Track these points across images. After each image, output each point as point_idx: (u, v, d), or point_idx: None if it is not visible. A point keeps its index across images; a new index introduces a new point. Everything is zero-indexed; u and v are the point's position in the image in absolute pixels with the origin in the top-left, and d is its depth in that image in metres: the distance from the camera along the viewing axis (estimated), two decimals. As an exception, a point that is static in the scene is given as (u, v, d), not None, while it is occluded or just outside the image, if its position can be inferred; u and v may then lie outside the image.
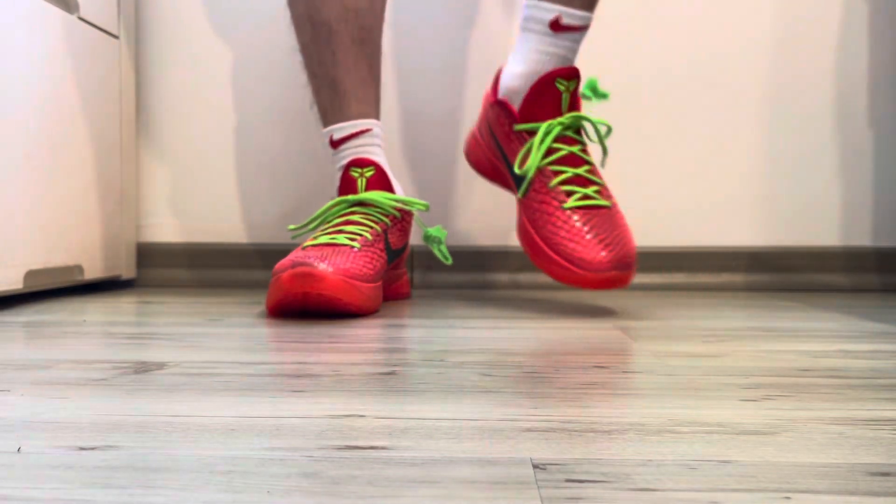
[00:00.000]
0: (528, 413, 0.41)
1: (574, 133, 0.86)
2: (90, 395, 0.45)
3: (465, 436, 0.37)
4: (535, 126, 0.85)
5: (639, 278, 1.18)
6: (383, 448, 0.35)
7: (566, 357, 0.59)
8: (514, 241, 1.09)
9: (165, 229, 1.22)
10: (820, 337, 0.70)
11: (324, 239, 0.83)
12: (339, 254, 0.80)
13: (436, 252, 0.92)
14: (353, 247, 0.82)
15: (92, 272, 1.06)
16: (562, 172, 0.83)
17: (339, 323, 0.75)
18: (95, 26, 1.06)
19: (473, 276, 1.19)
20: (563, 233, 0.81)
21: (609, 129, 0.88)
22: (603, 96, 0.87)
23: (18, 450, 0.34)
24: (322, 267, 0.76)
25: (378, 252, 0.85)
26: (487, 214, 1.19)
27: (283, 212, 1.20)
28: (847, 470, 0.32)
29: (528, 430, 0.37)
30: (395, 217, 0.89)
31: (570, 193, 0.82)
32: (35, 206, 0.92)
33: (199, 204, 1.22)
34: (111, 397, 0.44)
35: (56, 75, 0.97)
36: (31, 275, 0.91)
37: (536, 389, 0.46)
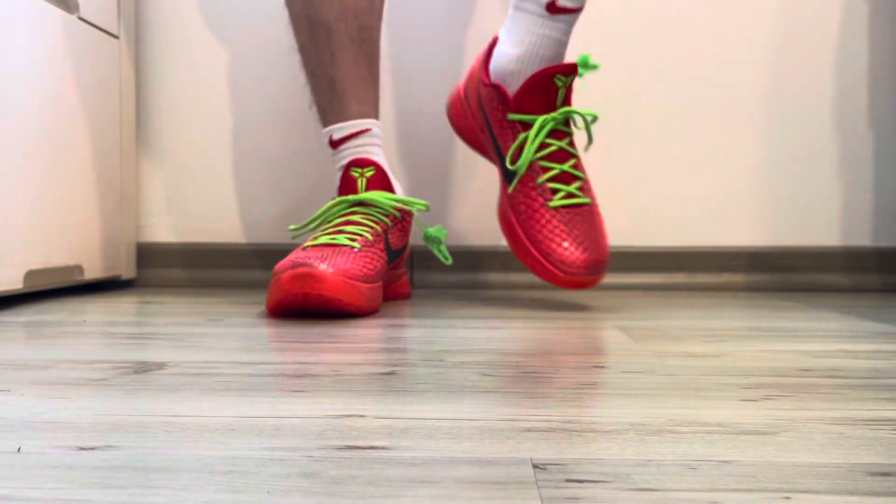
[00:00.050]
0: (528, 413, 0.41)
1: (563, 125, 0.87)
2: (90, 395, 0.45)
3: (465, 436, 0.37)
4: (529, 119, 0.86)
5: (639, 278, 1.19)
6: (383, 448, 0.35)
7: (566, 357, 0.59)
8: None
9: (165, 229, 1.22)
10: (820, 337, 0.70)
11: (324, 239, 0.83)
12: (339, 254, 0.80)
13: (436, 252, 0.93)
14: (353, 247, 0.82)
15: (92, 272, 1.06)
16: (550, 169, 0.85)
17: (339, 323, 0.75)
18: (95, 26, 1.06)
19: (473, 276, 1.19)
20: (545, 231, 0.84)
21: (595, 118, 0.89)
22: (594, 68, 0.87)
23: (18, 450, 0.34)
24: (322, 267, 0.76)
25: (378, 252, 0.85)
26: (487, 215, 1.19)
27: (283, 212, 1.20)
28: (847, 470, 0.32)
29: (528, 430, 0.37)
30: (395, 217, 0.89)
31: (554, 191, 0.85)
32: (35, 206, 0.92)
33: (199, 204, 1.22)
34: (111, 397, 0.44)
35: (56, 75, 0.97)
36: (31, 275, 0.91)
37: (536, 389, 0.46)
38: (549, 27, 0.85)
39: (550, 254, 0.84)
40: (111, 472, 0.31)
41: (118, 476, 0.31)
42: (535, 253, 0.85)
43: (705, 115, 1.19)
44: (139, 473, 0.32)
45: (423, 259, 1.17)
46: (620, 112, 1.19)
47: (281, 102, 1.19)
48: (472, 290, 1.16)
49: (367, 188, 0.89)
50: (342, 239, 0.83)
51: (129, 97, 1.17)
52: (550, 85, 0.85)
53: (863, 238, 1.20)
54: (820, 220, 1.20)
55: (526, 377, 0.50)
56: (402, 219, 0.91)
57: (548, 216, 0.84)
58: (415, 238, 1.06)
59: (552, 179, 0.85)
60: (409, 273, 1.09)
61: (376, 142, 0.93)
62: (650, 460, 0.33)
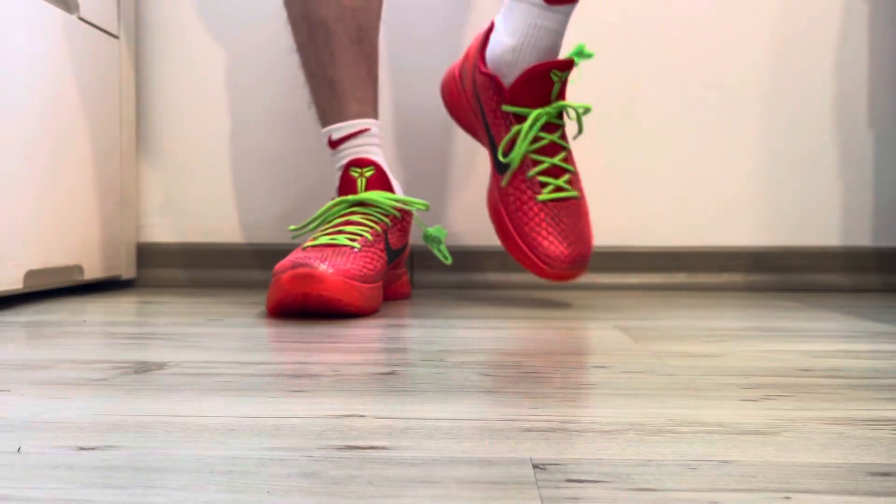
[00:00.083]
0: (528, 413, 0.41)
1: (556, 118, 0.88)
2: (90, 395, 0.45)
3: (465, 436, 0.37)
4: (523, 111, 0.87)
5: (639, 278, 1.19)
6: (383, 448, 0.35)
7: (566, 357, 0.59)
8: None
9: (165, 229, 1.22)
10: (820, 337, 0.70)
11: (324, 239, 0.83)
12: (339, 254, 0.80)
13: (435, 252, 0.93)
14: (353, 247, 0.82)
15: (92, 272, 1.06)
16: (540, 163, 0.87)
17: (339, 323, 0.75)
18: (95, 26, 1.06)
19: (473, 276, 1.19)
20: (532, 224, 0.86)
21: (587, 110, 0.90)
22: (588, 56, 0.88)
23: (18, 450, 0.34)
24: (322, 268, 0.76)
25: (378, 252, 0.85)
26: (486, 215, 1.19)
27: (282, 212, 1.20)
28: (847, 470, 0.32)
29: (528, 430, 0.37)
30: (395, 217, 0.89)
31: (543, 184, 0.86)
32: (35, 206, 0.92)
33: (199, 204, 1.22)
34: (111, 397, 0.44)
35: (56, 75, 0.97)
36: (31, 275, 0.91)
37: (536, 389, 0.46)
38: (546, 18, 0.85)
39: (536, 247, 0.86)
40: (111, 472, 0.31)
41: (118, 476, 0.31)
42: (522, 245, 0.87)
43: (705, 116, 1.19)
44: (139, 473, 0.32)
45: (423, 259, 1.17)
46: (620, 112, 1.19)
47: (281, 102, 1.19)
48: (472, 290, 1.16)
49: (367, 188, 0.89)
50: (342, 239, 0.83)
51: (129, 97, 1.17)
52: (546, 80, 0.85)
53: (863, 238, 1.20)
54: (820, 220, 1.20)
55: (526, 377, 0.50)
56: (401, 219, 0.91)
57: (536, 209, 0.86)
58: (415, 238, 1.06)
59: (542, 173, 0.87)
60: (409, 273, 1.09)
61: (375, 141, 0.93)
62: (650, 460, 0.33)
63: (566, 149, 0.88)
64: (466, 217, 1.19)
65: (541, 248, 0.86)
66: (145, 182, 1.22)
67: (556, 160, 0.87)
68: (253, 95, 1.21)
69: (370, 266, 0.82)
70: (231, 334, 0.69)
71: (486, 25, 0.95)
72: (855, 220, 1.20)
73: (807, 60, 1.19)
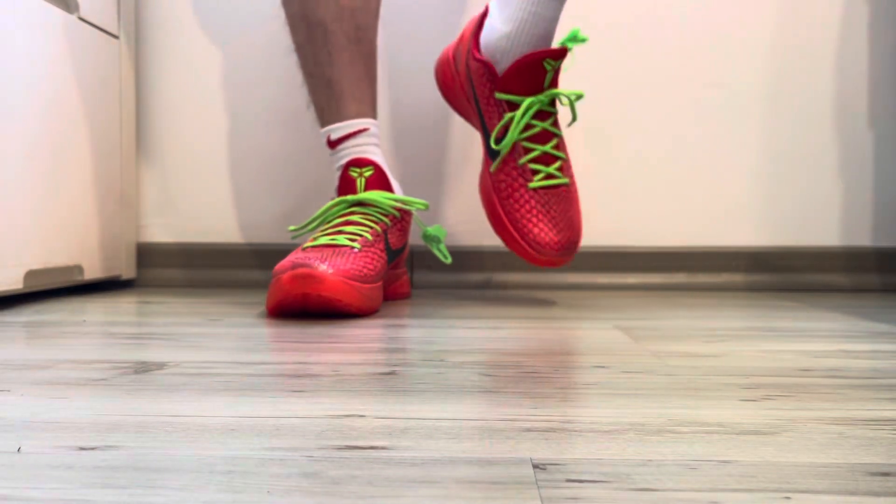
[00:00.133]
0: (528, 413, 0.41)
1: (548, 106, 0.88)
2: (90, 395, 0.45)
3: (465, 436, 0.37)
4: (516, 99, 0.87)
5: (639, 278, 1.19)
6: (383, 448, 0.35)
7: (566, 357, 0.59)
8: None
9: (165, 229, 1.22)
10: (820, 337, 0.70)
11: (324, 240, 0.83)
12: (339, 255, 0.80)
13: (435, 251, 0.93)
14: (353, 247, 0.82)
15: (92, 272, 1.06)
16: (532, 150, 0.88)
17: (339, 323, 0.75)
18: (95, 26, 1.06)
19: (473, 276, 1.19)
20: (523, 211, 0.87)
21: (579, 97, 0.91)
22: (583, 41, 0.88)
23: (18, 450, 0.34)
24: (322, 268, 0.76)
25: (378, 252, 0.85)
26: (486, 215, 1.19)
27: (282, 212, 1.20)
28: (847, 470, 0.32)
29: (528, 430, 0.37)
30: (394, 217, 0.89)
31: (535, 172, 0.87)
32: (35, 206, 0.92)
33: (199, 204, 1.22)
34: (111, 397, 0.44)
35: (56, 75, 0.97)
36: (31, 275, 0.91)
37: (536, 389, 0.46)
38: (541, 5, 0.85)
39: (527, 234, 0.87)
40: (111, 472, 0.31)
41: (118, 476, 0.31)
42: (513, 231, 0.88)
43: (705, 116, 1.19)
44: (139, 473, 0.32)
45: (423, 259, 1.17)
46: (620, 111, 1.19)
47: (280, 102, 1.19)
48: (472, 290, 1.16)
49: (367, 188, 0.89)
50: (342, 239, 0.83)
51: (129, 97, 1.17)
52: (539, 68, 0.86)
53: (863, 238, 1.20)
54: (820, 220, 1.20)
55: (526, 377, 0.50)
56: (401, 218, 0.91)
57: (526, 196, 0.87)
58: (414, 238, 1.06)
59: (533, 160, 0.88)
60: (409, 273, 1.09)
61: (374, 141, 0.93)
62: (650, 460, 0.33)
63: (558, 136, 0.89)
64: (466, 217, 1.19)
65: (531, 236, 0.87)
66: (145, 182, 1.22)
67: (548, 147, 0.88)
68: (252, 95, 1.21)
69: (370, 266, 0.82)
70: (231, 334, 0.69)
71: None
72: (855, 220, 1.20)
73: (807, 60, 1.19)
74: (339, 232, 0.85)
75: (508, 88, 0.87)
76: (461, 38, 0.94)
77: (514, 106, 0.87)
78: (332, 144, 0.93)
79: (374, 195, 0.87)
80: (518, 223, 0.87)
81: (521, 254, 0.88)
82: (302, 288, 0.76)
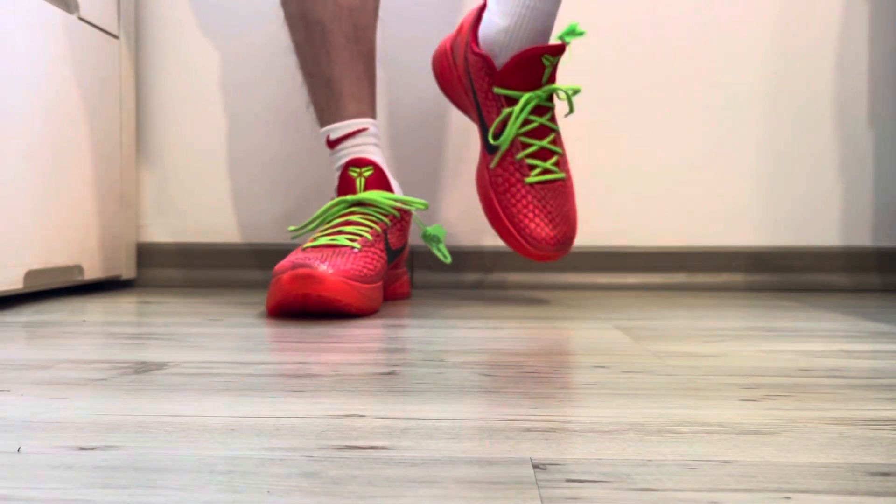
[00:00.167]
0: (528, 413, 0.41)
1: (546, 101, 0.88)
2: (90, 395, 0.45)
3: (465, 436, 0.37)
4: (514, 94, 0.87)
5: (639, 278, 1.19)
6: (383, 448, 0.35)
7: (566, 357, 0.59)
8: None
9: (165, 229, 1.22)
10: (820, 337, 0.70)
11: (324, 240, 0.83)
12: (339, 255, 0.80)
13: (434, 251, 0.92)
14: (353, 247, 0.82)
15: (92, 272, 1.06)
16: (529, 146, 0.88)
17: (339, 323, 0.75)
18: (95, 26, 1.06)
19: (473, 276, 1.19)
20: (520, 206, 0.88)
21: (576, 91, 0.91)
22: (580, 34, 0.88)
23: (18, 450, 0.34)
24: (322, 268, 0.76)
25: (378, 252, 0.85)
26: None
27: (282, 212, 1.20)
28: (847, 470, 0.32)
29: (528, 430, 0.37)
30: (394, 217, 0.89)
31: (532, 167, 0.88)
32: (35, 206, 0.92)
33: (199, 204, 1.22)
34: (111, 397, 0.44)
35: (56, 75, 0.97)
36: (31, 275, 0.91)
37: (536, 389, 0.46)
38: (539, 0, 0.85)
39: (523, 229, 0.87)
40: (111, 472, 0.31)
41: (118, 476, 0.31)
42: (509, 225, 0.88)
43: (705, 115, 1.19)
44: (139, 473, 0.32)
45: (423, 259, 1.17)
46: (620, 111, 1.19)
47: (280, 102, 1.19)
48: (472, 290, 1.16)
49: (366, 188, 0.89)
50: (342, 239, 0.83)
51: (129, 97, 1.17)
52: (537, 64, 0.86)
53: (863, 238, 1.20)
54: (820, 220, 1.20)
55: (526, 377, 0.50)
56: (401, 218, 0.91)
57: (523, 191, 0.88)
58: (414, 238, 1.05)
59: (531, 156, 0.88)
60: (409, 273, 1.09)
61: (374, 141, 0.93)
62: (650, 460, 0.33)
63: (555, 131, 0.89)
64: (466, 217, 1.19)
65: (527, 230, 0.87)
66: (145, 182, 1.22)
67: (545, 143, 0.88)
68: (252, 95, 1.21)
69: (370, 266, 0.82)
70: (231, 334, 0.69)
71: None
72: (855, 220, 1.20)
73: (807, 60, 1.19)
74: (339, 232, 0.85)
75: (507, 83, 0.87)
76: (459, 30, 0.94)
77: (512, 101, 0.88)
78: (332, 144, 0.93)
79: (374, 195, 0.87)
80: (514, 218, 0.88)
81: (517, 248, 0.89)
82: (302, 288, 0.76)
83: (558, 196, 0.89)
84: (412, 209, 0.92)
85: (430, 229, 0.92)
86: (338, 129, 0.92)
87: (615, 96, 1.19)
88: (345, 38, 0.91)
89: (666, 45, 1.19)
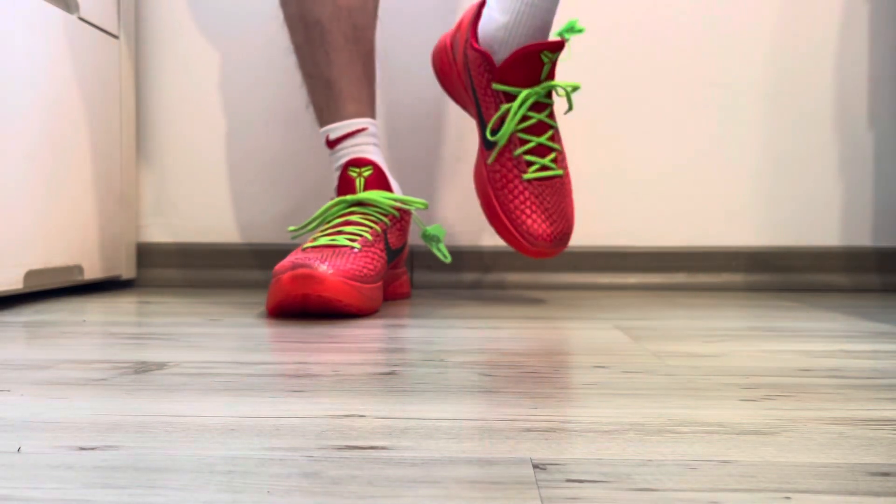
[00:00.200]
0: (528, 413, 0.41)
1: (545, 97, 0.88)
2: (90, 395, 0.45)
3: (465, 436, 0.37)
4: (513, 91, 0.87)
5: (639, 278, 1.19)
6: (383, 448, 0.35)
7: (566, 357, 0.59)
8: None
9: (165, 229, 1.22)
10: (820, 337, 0.70)
11: (324, 240, 0.83)
12: (339, 255, 0.80)
13: (434, 250, 0.92)
14: (353, 248, 0.82)
15: (92, 272, 1.06)
16: (527, 142, 0.88)
17: (339, 323, 0.75)
18: (95, 26, 1.06)
19: (474, 276, 1.19)
20: (517, 202, 0.88)
21: (575, 88, 0.91)
22: (580, 31, 0.89)
23: (18, 450, 0.34)
24: (322, 269, 0.76)
25: (378, 252, 0.85)
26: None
27: (282, 212, 1.20)
28: (847, 470, 0.32)
29: (528, 430, 0.37)
30: (394, 217, 0.89)
31: (529, 163, 0.88)
32: (35, 206, 0.92)
33: (199, 204, 1.22)
34: (111, 397, 0.44)
35: (56, 75, 0.97)
36: (31, 275, 0.91)
37: (536, 389, 0.46)
38: None
39: (520, 225, 0.87)
40: (111, 472, 0.31)
41: (118, 476, 0.31)
42: (507, 222, 0.88)
43: (705, 115, 1.19)
44: (139, 473, 0.32)
45: (423, 259, 1.17)
46: (620, 111, 1.19)
47: (280, 102, 1.19)
48: (472, 290, 1.16)
49: (366, 188, 0.89)
50: (342, 240, 0.83)
51: (129, 97, 1.17)
52: (536, 60, 0.86)
53: (863, 238, 1.20)
54: (820, 220, 1.20)
55: (526, 377, 0.50)
56: (400, 218, 0.91)
57: (521, 188, 0.88)
58: (414, 238, 1.05)
59: (528, 152, 0.88)
60: (409, 273, 1.09)
61: (373, 140, 0.93)
62: (650, 460, 0.33)
63: (553, 127, 0.89)
64: (465, 216, 1.19)
65: (524, 227, 0.87)
66: (145, 182, 1.22)
67: (543, 139, 0.88)
68: (252, 95, 1.21)
69: (370, 266, 0.82)
70: (231, 334, 0.69)
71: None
72: (855, 220, 1.20)
73: (807, 60, 1.19)
74: (339, 232, 0.85)
75: (506, 79, 0.87)
76: (459, 26, 0.94)
77: (511, 97, 0.88)
78: (331, 144, 0.93)
79: (374, 195, 0.87)
80: (512, 214, 0.88)
81: (514, 244, 0.89)
82: (302, 288, 0.76)
83: (556, 193, 0.89)
84: (412, 209, 0.92)
85: (430, 229, 0.92)
86: (337, 129, 0.92)
87: (615, 96, 1.19)
88: (344, 38, 0.91)
89: (666, 45, 1.19)
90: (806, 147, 1.19)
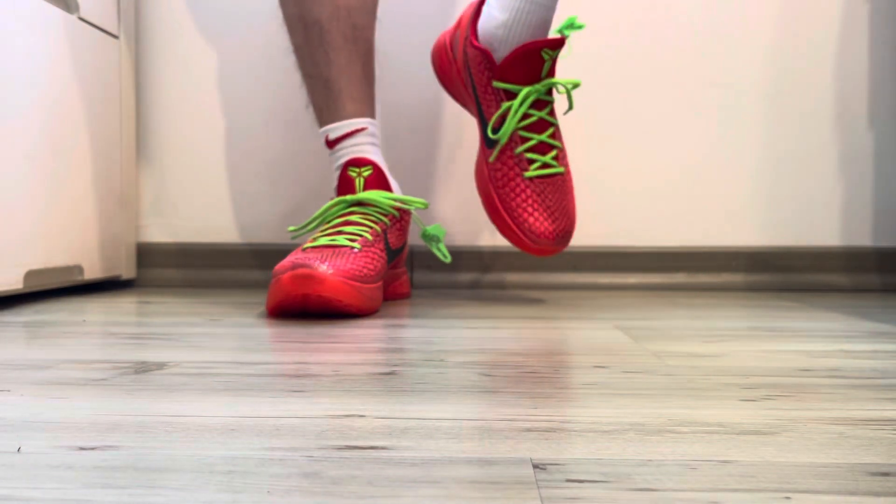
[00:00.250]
0: (528, 413, 0.41)
1: (545, 95, 0.89)
2: (90, 395, 0.45)
3: (465, 436, 0.37)
4: (514, 88, 0.87)
5: (639, 278, 1.19)
6: (383, 448, 0.35)
7: (566, 357, 0.59)
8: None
9: (165, 229, 1.22)
10: (820, 337, 0.70)
11: (324, 240, 0.83)
12: (339, 255, 0.80)
13: (434, 250, 0.92)
14: (353, 248, 0.82)
15: (92, 272, 1.06)
16: (528, 139, 0.88)
17: (339, 323, 0.75)
18: (95, 26, 1.06)
19: (473, 276, 1.19)
20: (519, 200, 0.88)
21: (576, 86, 0.91)
22: (580, 28, 0.89)
23: (18, 450, 0.34)
24: (322, 269, 0.76)
25: (378, 252, 0.85)
26: (485, 214, 1.19)
27: (282, 212, 1.20)
28: (847, 470, 0.32)
29: (528, 430, 0.37)
30: (393, 216, 0.89)
31: (531, 161, 0.88)
32: (35, 206, 0.92)
33: (199, 204, 1.22)
34: (111, 397, 0.44)
35: (56, 75, 0.97)
36: (31, 275, 0.91)
37: (536, 389, 0.46)
38: None
39: (522, 223, 0.87)
40: (111, 472, 0.31)
41: (118, 476, 0.31)
42: (509, 220, 0.88)
43: (705, 115, 1.19)
44: (139, 473, 0.32)
45: (423, 259, 1.17)
46: (620, 111, 1.19)
47: (280, 103, 1.19)
48: (472, 289, 1.16)
49: (365, 188, 0.89)
50: (342, 240, 0.83)
51: (129, 97, 1.17)
52: (537, 58, 0.86)
53: (863, 238, 1.20)
54: (820, 220, 1.20)
55: (526, 377, 0.50)
56: (400, 218, 0.91)
57: (522, 185, 0.88)
58: (414, 238, 1.05)
59: (530, 150, 0.88)
60: (409, 273, 1.09)
61: (373, 140, 0.93)
62: (650, 460, 0.33)
63: (554, 125, 0.89)
64: (466, 217, 1.19)
65: (527, 225, 0.87)
66: (145, 182, 1.22)
67: (544, 136, 0.88)
68: (252, 95, 1.21)
69: (370, 266, 0.82)
70: (231, 334, 0.69)
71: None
72: (855, 220, 1.20)
73: (807, 60, 1.19)
74: (339, 232, 0.85)
75: (506, 77, 0.87)
76: (458, 24, 0.94)
77: (511, 95, 0.88)
78: (331, 144, 0.93)
79: (373, 195, 0.87)
80: (514, 212, 0.88)
81: (516, 242, 0.89)
82: (302, 288, 0.76)
83: (557, 190, 0.89)
84: (412, 209, 0.92)
85: (430, 229, 0.92)
86: (336, 128, 0.92)
87: (615, 96, 1.19)
88: (343, 38, 0.91)
89: (666, 45, 1.19)
90: (806, 147, 1.19)
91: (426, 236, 0.92)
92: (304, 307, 0.77)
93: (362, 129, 0.92)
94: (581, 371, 0.53)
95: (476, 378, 0.50)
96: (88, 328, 0.73)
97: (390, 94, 1.17)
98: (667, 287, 1.18)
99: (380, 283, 0.86)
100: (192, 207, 1.22)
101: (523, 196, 0.88)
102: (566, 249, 1.01)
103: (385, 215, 0.88)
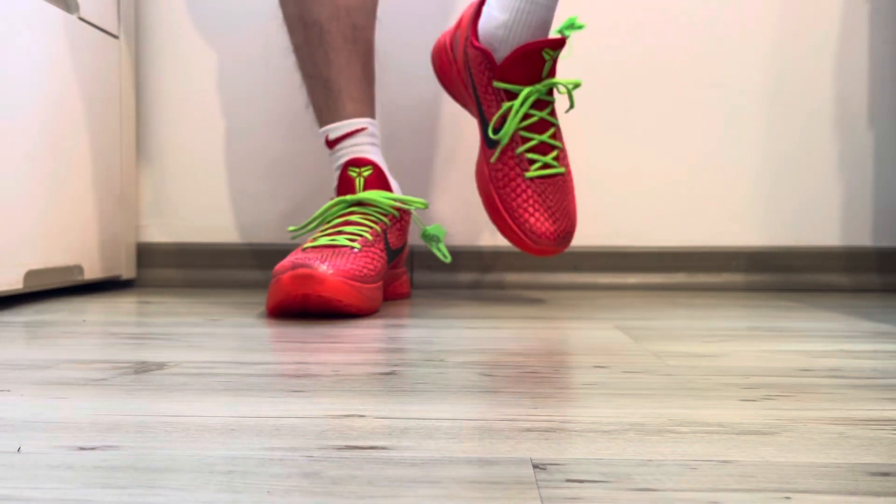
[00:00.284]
0: (528, 413, 0.41)
1: (546, 95, 0.89)
2: (90, 395, 0.45)
3: (465, 436, 0.37)
4: (514, 89, 0.87)
5: (639, 278, 1.19)
6: (383, 448, 0.35)
7: (566, 357, 0.59)
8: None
9: (165, 229, 1.22)
10: (820, 337, 0.70)
11: (324, 240, 0.83)
12: (339, 255, 0.80)
13: (434, 250, 0.92)
14: (353, 248, 0.82)
15: (92, 272, 1.06)
16: (529, 140, 0.88)
17: (339, 323, 0.75)
18: (95, 26, 1.06)
19: (473, 276, 1.19)
20: (520, 200, 0.88)
21: (577, 85, 0.91)
22: (580, 28, 0.89)
23: (18, 450, 0.34)
24: (322, 269, 0.76)
25: (378, 252, 0.85)
26: (485, 214, 1.19)
27: (282, 212, 1.20)
28: (847, 470, 0.32)
29: (528, 430, 0.37)
30: (393, 216, 0.89)
31: (532, 161, 0.88)
32: (35, 206, 0.92)
33: (199, 204, 1.22)
34: (111, 397, 0.44)
35: (56, 75, 0.97)
36: (31, 275, 0.91)
37: (536, 389, 0.46)
38: None
39: (523, 223, 0.87)
40: (111, 472, 0.31)
41: (118, 476, 0.31)
42: (509, 220, 0.88)
43: (705, 116, 1.19)
44: (139, 473, 0.32)
45: (423, 259, 1.17)
46: (619, 111, 1.19)
47: (280, 103, 1.19)
48: (472, 289, 1.16)
49: (365, 187, 0.89)
50: (342, 240, 0.83)
51: (129, 97, 1.17)
52: (537, 58, 0.86)
53: (863, 238, 1.20)
54: (820, 220, 1.20)
55: (526, 377, 0.50)
56: (400, 218, 0.91)
57: (523, 186, 0.88)
58: (414, 238, 1.05)
59: (530, 150, 0.88)
60: (409, 273, 1.09)
61: (373, 140, 0.93)
62: (650, 460, 0.33)
63: (555, 125, 0.89)
64: (466, 217, 1.19)
65: (528, 225, 0.87)
66: (145, 182, 1.22)
67: (545, 137, 0.88)
68: (252, 96, 1.21)
69: (370, 266, 0.82)
70: (231, 334, 0.69)
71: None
72: (855, 220, 1.20)
73: (807, 60, 1.19)
74: (339, 232, 0.85)
75: (507, 78, 0.87)
76: (458, 25, 0.94)
77: (512, 95, 0.88)
78: (331, 144, 0.93)
79: (373, 195, 0.87)
80: (514, 212, 0.88)
81: (517, 243, 0.89)
82: (302, 288, 0.76)
83: (558, 191, 0.89)
84: (412, 209, 0.92)
85: (430, 229, 0.92)
86: (336, 128, 0.92)
87: (615, 96, 1.19)
88: (342, 38, 0.91)
89: (666, 45, 1.19)
90: (806, 147, 1.19)
91: (426, 236, 0.92)
92: (304, 307, 0.77)
93: (362, 129, 0.92)
94: (581, 371, 0.53)
95: (476, 378, 0.50)
96: (88, 328, 0.73)
97: (390, 94, 1.17)
98: (667, 287, 1.18)
99: (380, 283, 0.86)
100: (192, 207, 1.22)
101: (524, 196, 0.88)
102: (566, 249, 1.01)
103: (385, 215, 0.88)
